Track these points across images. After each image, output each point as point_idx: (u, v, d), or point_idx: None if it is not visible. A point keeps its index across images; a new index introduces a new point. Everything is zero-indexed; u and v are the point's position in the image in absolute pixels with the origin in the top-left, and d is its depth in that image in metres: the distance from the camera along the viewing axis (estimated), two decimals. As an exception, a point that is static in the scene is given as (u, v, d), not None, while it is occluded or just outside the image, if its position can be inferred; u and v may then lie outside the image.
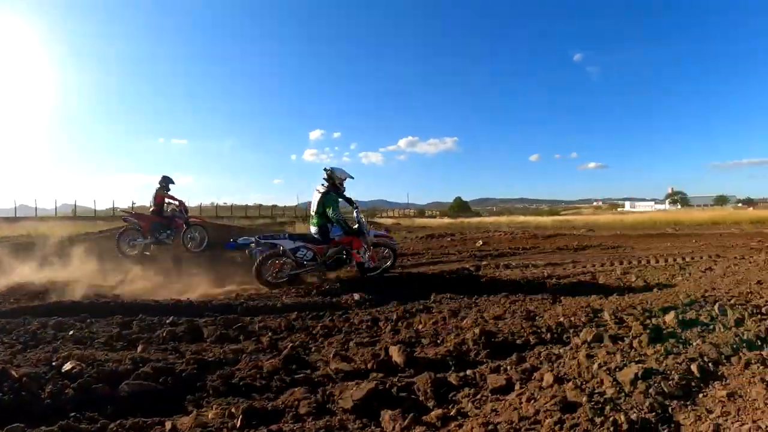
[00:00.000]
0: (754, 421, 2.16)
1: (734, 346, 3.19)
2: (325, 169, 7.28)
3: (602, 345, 3.30)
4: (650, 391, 2.47)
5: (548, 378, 2.76)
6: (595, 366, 2.82)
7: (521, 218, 36.16)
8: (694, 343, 3.26)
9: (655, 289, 5.56)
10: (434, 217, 56.11)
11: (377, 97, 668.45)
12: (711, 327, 3.63)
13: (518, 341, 3.65)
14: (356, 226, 7.27)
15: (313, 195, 7.27)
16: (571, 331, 3.73)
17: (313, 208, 7.18)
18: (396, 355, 3.28)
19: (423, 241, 15.75)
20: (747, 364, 2.89)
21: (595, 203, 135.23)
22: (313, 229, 7.18)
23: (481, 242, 12.80)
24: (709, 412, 2.33)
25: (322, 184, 7.28)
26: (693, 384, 2.62)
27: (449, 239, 15.54)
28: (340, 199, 7.26)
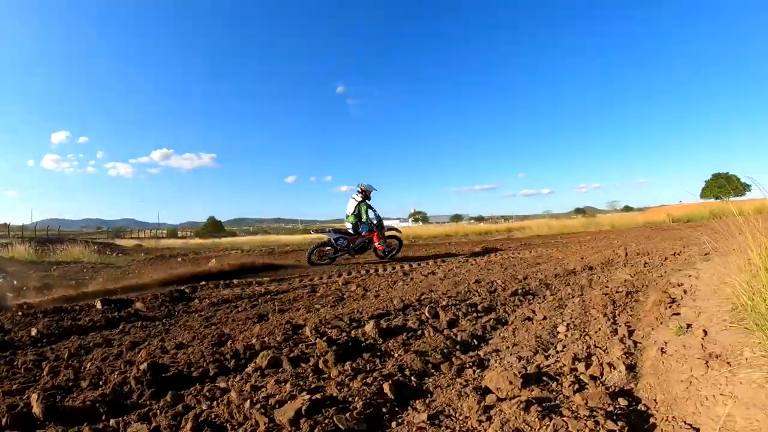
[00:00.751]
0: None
1: (445, 351, 2.74)
2: (359, 185, 10.26)
3: (280, 371, 2.53)
4: (316, 430, 1.63)
5: (189, 426, 1.77)
6: (248, 404, 1.95)
7: (274, 237, 36.05)
8: (396, 355, 2.70)
9: (372, 297, 5.08)
10: (185, 237, 51.38)
11: (131, 100, 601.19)
12: (419, 332, 3.16)
13: (195, 374, 2.71)
14: (376, 224, 10.23)
15: (349, 201, 10.33)
16: (262, 354, 2.83)
17: (350, 210, 10.20)
18: (36, 405, 2.39)
19: (150, 263, 13.81)
20: (460, 370, 2.45)
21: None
22: (348, 226, 10.20)
23: (214, 261, 11.61)
24: (401, 447, 1.65)
25: (357, 193, 10.27)
26: (384, 410, 1.96)
27: (180, 259, 14.02)
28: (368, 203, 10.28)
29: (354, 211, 10.12)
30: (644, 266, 6.09)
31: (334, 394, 2.00)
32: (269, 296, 5.59)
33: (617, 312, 3.62)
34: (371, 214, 10.20)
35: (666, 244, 9.04)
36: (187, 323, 4.32)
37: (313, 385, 2.20)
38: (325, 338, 2.88)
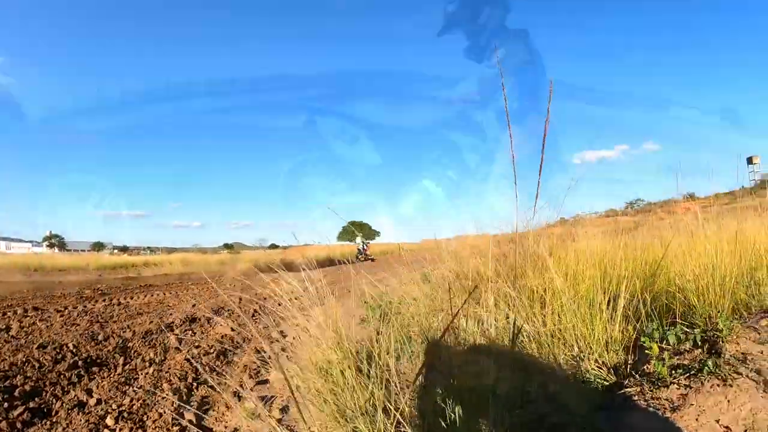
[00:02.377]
0: None
1: None
2: (360, 236, 27.49)
3: None
4: None
5: None
6: None
7: None
8: None
9: None
10: None
11: None
12: None
13: None
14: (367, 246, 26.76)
15: (357, 240, 26.76)
16: None
17: (357, 242, 26.46)
18: None
19: None
20: None
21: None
22: (362, 245, 25.89)
23: None
24: None
25: (361, 239, 27.10)
26: None
27: None
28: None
29: (359, 243, 25.09)
30: (254, 314, 5.78)
31: None
32: None
33: (197, 384, 3.22)
34: (365, 244, 25.34)
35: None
36: None
37: None
38: None
